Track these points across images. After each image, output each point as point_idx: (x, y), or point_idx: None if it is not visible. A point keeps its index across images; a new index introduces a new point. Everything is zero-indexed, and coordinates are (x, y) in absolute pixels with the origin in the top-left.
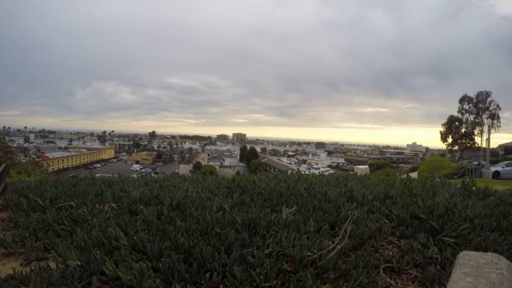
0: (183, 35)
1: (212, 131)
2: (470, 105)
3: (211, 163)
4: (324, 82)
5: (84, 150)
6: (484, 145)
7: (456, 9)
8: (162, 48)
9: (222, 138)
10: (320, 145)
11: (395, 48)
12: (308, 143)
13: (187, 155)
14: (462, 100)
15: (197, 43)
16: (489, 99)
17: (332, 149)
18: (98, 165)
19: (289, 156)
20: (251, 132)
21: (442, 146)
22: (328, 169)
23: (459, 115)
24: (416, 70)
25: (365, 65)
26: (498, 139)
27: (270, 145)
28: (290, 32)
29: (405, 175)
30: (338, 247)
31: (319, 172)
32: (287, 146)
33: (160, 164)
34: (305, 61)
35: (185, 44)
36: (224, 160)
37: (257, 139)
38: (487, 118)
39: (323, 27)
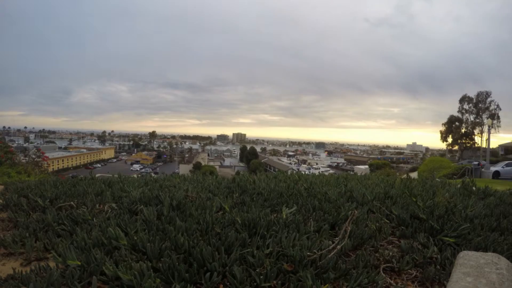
0: (202, 24)
1: (213, 131)
2: (470, 105)
3: (211, 163)
4: (349, 82)
5: (84, 150)
6: (484, 145)
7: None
8: (168, 43)
9: (222, 138)
10: (320, 145)
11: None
12: (308, 143)
13: (187, 155)
14: (462, 100)
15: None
16: (489, 99)
17: (332, 149)
18: (98, 165)
19: (289, 156)
20: (256, 132)
21: (442, 146)
22: (328, 169)
23: (459, 115)
24: (447, 69)
25: (396, 64)
26: (501, 139)
27: (270, 145)
28: (324, 29)
29: (405, 175)
30: (338, 247)
31: (319, 172)
32: (287, 146)
33: (160, 164)
34: (334, 59)
35: (201, 35)
36: (224, 160)
37: (257, 139)
38: (487, 118)
39: (357, 24)
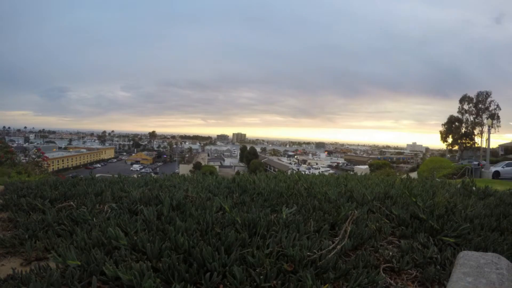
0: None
1: (213, 131)
2: (470, 105)
3: (211, 163)
4: (383, 81)
5: (84, 150)
6: (484, 145)
7: None
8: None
9: (222, 138)
10: (320, 145)
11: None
12: (308, 143)
13: (187, 155)
14: (462, 100)
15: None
16: (489, 99)
17: (332, 149)
18: (98, 165)
19: (289, 156)
20: (261, 133)
21: (442, 146)
22: (328, 169)
23: (459, 115)
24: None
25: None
26: (505, 139)
27: (270, 145)
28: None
29: (405, 175)
30: (338, 247)
31: (319, 172)
32: (287, 146)
33: (160, 164)
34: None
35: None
36: (224, 160)
37: (257, 139)
38: (487, 118)
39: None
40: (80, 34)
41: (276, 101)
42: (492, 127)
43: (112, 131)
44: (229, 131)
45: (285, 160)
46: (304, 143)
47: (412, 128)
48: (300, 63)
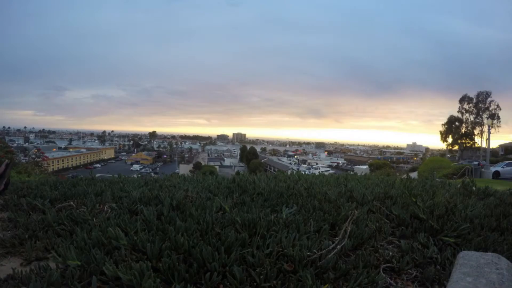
0: None
1: (216, 131)
2: (470, 105)
3: (211, 163)
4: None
5: (84, 150)
6: (484, 145)
7: None
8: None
9: (222, 138)
10: (320, 145)
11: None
12: (308, 143)
13: (187, 155)
14: (462, 100)
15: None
16: (489, 99)
17: (332, 149)
18: (98, 165)
19: (289, 156)
20: (265, 133)
21: (442, 146)
22: (328, 169)
23: (459, 115)
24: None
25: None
26: (501, 139)
27: (270, 145)
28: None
29: (405, 175)
30: (338, 247)
31: (319, 172)
32: (287, 146)
33: (160, 164)
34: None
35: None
36: (224, 160)
37: (257, 139)
38: (487, 118)
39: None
40: (80, 33)
41: (288, 101)
42: (492, 127)
43: (112, 131)
44: (232, 131)
45: (285, 160)
46: (304, 143)
47: (419, 128)
48: (319, 59)
